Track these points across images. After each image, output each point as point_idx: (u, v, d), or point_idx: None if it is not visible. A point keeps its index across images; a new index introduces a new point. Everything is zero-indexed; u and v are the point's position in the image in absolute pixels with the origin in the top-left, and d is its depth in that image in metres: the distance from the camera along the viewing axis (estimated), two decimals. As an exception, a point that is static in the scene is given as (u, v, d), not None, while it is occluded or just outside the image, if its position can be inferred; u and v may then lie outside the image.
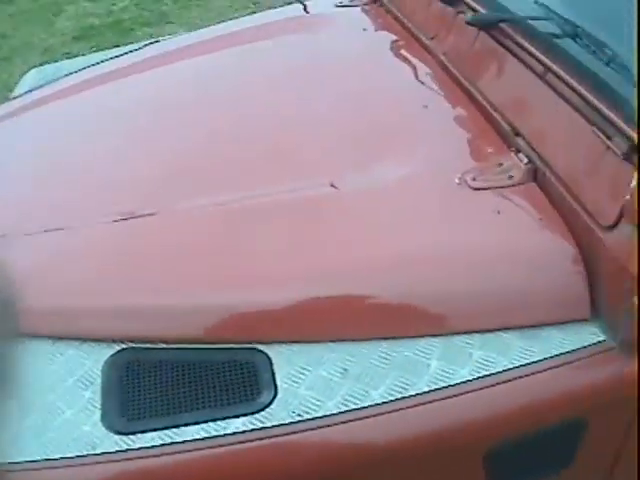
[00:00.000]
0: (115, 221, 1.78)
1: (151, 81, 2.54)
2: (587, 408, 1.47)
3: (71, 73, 2.84)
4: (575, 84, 1.59)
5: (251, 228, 1.68)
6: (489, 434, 1.43)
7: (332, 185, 1.75)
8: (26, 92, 2.87)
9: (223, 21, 3.37)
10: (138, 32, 7.43)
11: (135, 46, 3.12)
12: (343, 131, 1.96)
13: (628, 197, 1.37)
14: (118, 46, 6.59)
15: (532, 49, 1.75)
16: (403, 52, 2.36)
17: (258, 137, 2.01)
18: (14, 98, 2.90)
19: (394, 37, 2.46)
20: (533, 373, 1.42)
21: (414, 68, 2.24)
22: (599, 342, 1.46)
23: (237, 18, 3.53)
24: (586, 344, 1.46)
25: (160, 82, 2.52)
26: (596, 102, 1.52)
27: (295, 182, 1.79)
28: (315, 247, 1.63)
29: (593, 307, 1.49)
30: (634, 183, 1.36)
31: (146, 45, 3.01)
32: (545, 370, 1.43)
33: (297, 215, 1.70)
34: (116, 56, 2.94)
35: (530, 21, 1.79)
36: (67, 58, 6.76)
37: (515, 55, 1.83)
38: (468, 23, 1.97)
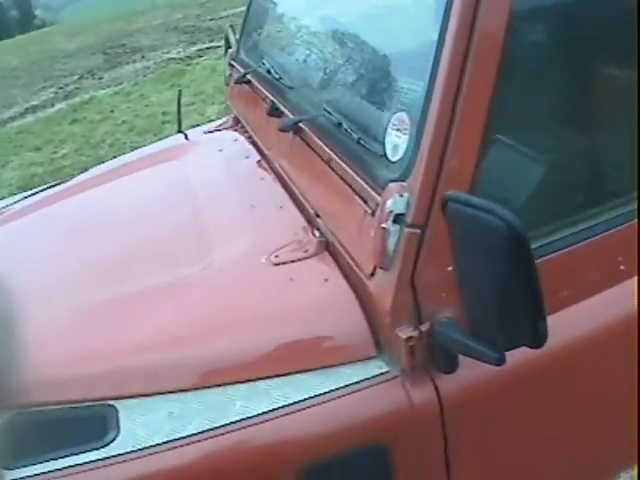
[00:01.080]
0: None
1: (54, 213, 2.91)
2: (382, 432, 1.75)
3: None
4: (342, 164, 1.94)
5: (107, 316, 2.04)
6: (294, 459, 1.73)
7: (173, 274, 2.13)
8: None
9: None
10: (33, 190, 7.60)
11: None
12: (191, 231, 2.35)
13: (372, 245, 1.68)
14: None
15: (318, 142, 2.11)
16: (247, 164, 2.76)
17: (134, 242, 2.42)
18: None
19: (243, 153, 2.86)
20: (325, 402, 1.71)
21: (252, 176, 2.65)
22: (383, 373, 1.74)
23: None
24: (371, 375, 1.74)
25: (61, 212, 2.90)
26: (354, 175, 1.86)
27: (143, 277, 2.17)
28: (145, 322, 1.99)
29: (377, 344, 1.78)
30: (372, 233, 1.68)
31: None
32: (336, 399, 1.72)
33: (141, 303, 2.08)
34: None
35: (317, 118, 2.16)
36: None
37: (313, 149, 2.18)
38: (280, 129, 2.33)
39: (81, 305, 2.11)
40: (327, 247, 2.02)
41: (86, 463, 1.70)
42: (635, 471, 2.01)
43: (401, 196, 1.60)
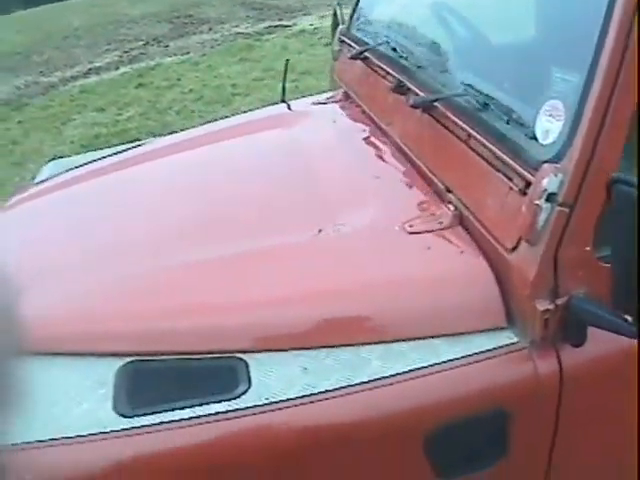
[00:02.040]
0: (130, 265, 2.22)
1: (157, 167, 3.02)
2: (507, 400, 1.80)
3: (87, 163, 3.30)
4: (487, 143, 1.97)
5: (237, 271, 2.10)
6: (423, 420, 1.78)
7: (304, 234, 2.18)
8: (48, 178, 3.31)
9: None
10: (143, 140, 7.59)
11: (138, 143, 3.57)
12: (314, 197, 2.40)
13: (521, 220, 1.73)
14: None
15: (457, 120, 2.14)
16: (365, 138, 2.79)
17: (256, 202, 2.47)
18: (37, 184, 3.34)
19: (359, 125, 2.91)
20: (457, 367, 1.78)
21: (373, 150, 2.68)
22: (513, 343, 1.81)
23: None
24: (501, 345, 1.81)
25: (164, 168, 3.00)
26: (501, 154, 1.90)
27: (283, 233, 2.23)
28: (278, 280, 2.03)
29: (509, 316, 1.85)
30: (524, 208, 1.73)
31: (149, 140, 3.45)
32: (466, 365, 1.78)
33: (276, 257, 2.13)
34: (126, 149, 3.43)
35: (456, 98, 2.19)
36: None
37: (446, 127, 2.22)
38: (411, 106, 2.37)
39: (210, 258, 2.16)
40: (461, 221, 2.07)
41: (216, 414, 1.74)
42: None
43: (555, 176, 1.65)
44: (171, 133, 3.63)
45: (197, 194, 2.60)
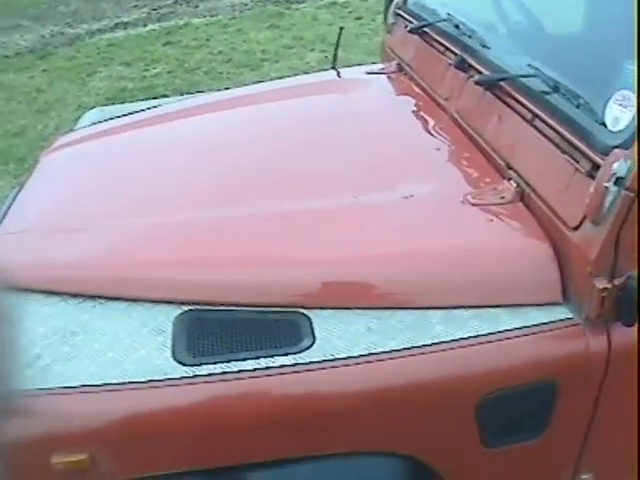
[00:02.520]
0: (191, 213, 2.28)
1: (203, 124, 3.05)
2: (557, 373, 1.87)
3: (131, 113, 3.32)
4: (553, 124, 2.03)
5: (301, 228, 2.15)
6: (479, 386, 1.84)
7: (368, 196, 2.24)
8: (90, 125, 3.35)
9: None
10: (170, 98, 7.41)
11: (187, 96, 3.59)
12: (373, 165, 2.45)
13: (587, 200, 1.79)
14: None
15: (523, 100, 2.19)
16: (422, 110, 2.85)
17: (305, 164, 2.53)
18: (79, 129, 3.39)
19: (415, 99, 2.97)
20: (514, 337, 1.84)
21: (430, 122, 2.72)
22: (567, 319, 1.87)
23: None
24: (556, 319, 1.87)
25: (218, 125, 3.04)
26: (568, 136, 1.95)
27: (345, 193, 2.28)
28: (347, 239, 2.08)
29: (565, 292, 1.91)
30: (592, 189, 1.78)
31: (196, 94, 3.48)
32: (523, 336, 1.84)
33: (343, 217, 2.18)
34: (172, 102, 3.46)
35: (522, 79, 2.23)
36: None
37: (510, 107, 2.27)
38: (476, 83, 2.41)
39: (278, 213, 2.21)
40: (522, 197, 2.12)
41: (281, 366, 1.77)
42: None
43: (625, 162, 1.71)
44: (198, 92, 3.61)
45: (254, 151, 2.64)
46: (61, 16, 12.68)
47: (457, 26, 2.81)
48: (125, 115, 3.29)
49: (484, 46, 2.59)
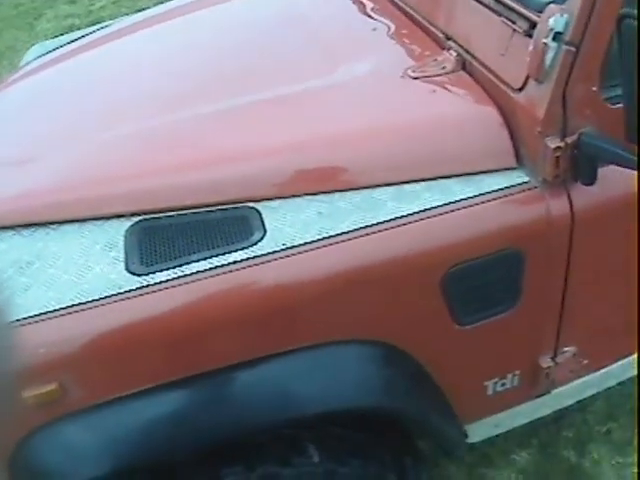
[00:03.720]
0: (129, 124, 2.23)
1: (143, 37, 2.98)
2: (520, 239, 1.85)
3: (73, 41, 3.27)
4: None
5: (242, 122, 2.09)
6: (440, 260, 1.81)
7: (308, 83, 2.19)
8: (34, 59, 3.26)
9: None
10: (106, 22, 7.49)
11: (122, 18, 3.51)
12: (315, 48, 2.41)
13: (527, 59, 1.74)
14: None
15: None
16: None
17: (256, 54, 2.47)
18: (24, 66, 3.28)
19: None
20: (469, 206, 1.80)
21: (366, 4, 2.68)
22: (524, 183, 1.84)
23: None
24: (512, 184, 1.84)
25: (162, 32, 2.97)
26: None
27: (285, 83, 2.23)
28: (289, 127, 2.03)
29: (518, 156, 1.88)
30: (531, 47, 1.74)
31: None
32: (479, 204, 1.81)
33: (283, 106, 2.13)
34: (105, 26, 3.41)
35: None
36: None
37: None
38: None
39: (213, 111, 2.16)
40: (463, 66, 2.08)
41: (233, 263, 1.74)
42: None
43: (561, 16, 1.66)
44: None
45: (195, 51, 2.59)
46: None
47: None
48: (62, 46, 3.25)
49: None
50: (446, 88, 2.03)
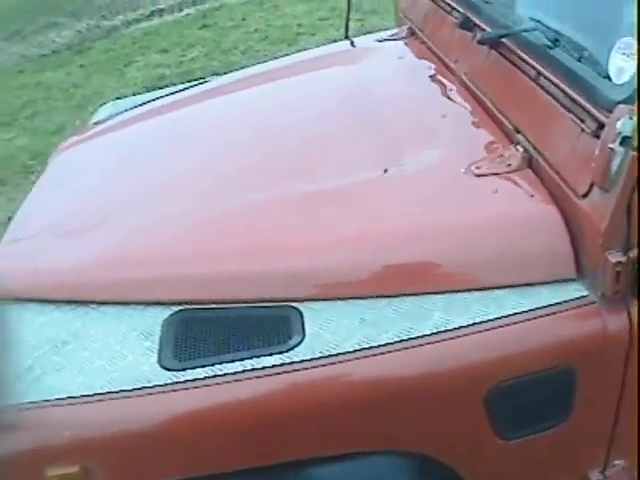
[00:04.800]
0: (180, 204, 2.18)
1: (220, 106, 2.96)
2: (573, 356, 1.72)
3: (146, 102, 3.25)
4: (556, 80, 1.86)
5: (294, 213, 2.03)
6: (486, 375, 1.69)
7: (366, 174, 2.09)
8: (107, 118, 3.26)
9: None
10: (180, 85, 7.54)
11: (200, 81, 3.49)
12: (379, 137, 2.30)
13: (593, 164, 1.62)
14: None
15: (526, 57, 2.02)
16: (431, 75, 2.67)
17: (319, 142, 2.39)
18: (94, 124, 3.28)
19: (425, 62, 2.79)
20: (523, 321, 1.68)
21: (438, 86, 2.56)
22: (582, 297, 1.71)
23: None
24: (570, 298, 1.71)
25: (228, 106, 2.93)
26: (572, 94, 1.78)
27: (341, 173, 2.14)
28: (341, 223, 1.94)
29: (578, 266, 1.74)
30: (597, 152, 1.61)
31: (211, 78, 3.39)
32: (533, 319, 1.68)
33: (338, 198, 2.04)
34: (184, 88, 3.37)
35: (523, 34, 2.06)
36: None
37: (515, 64, 2.11)
38: (478, 42, 2.25)
39: (265, 200, 2.09)
40: (530, 163, 1.95)
41: (266, 368, 1.67)
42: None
43: (630, 119, 1.53)
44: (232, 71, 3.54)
45: (259, 134, 2.52)
46: (97, 9, 12.71)
47: None
48: (136, 107, 3.23)
49: (486, 1, 2.43)
50: (509, 188, 1.91)
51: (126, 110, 3.22)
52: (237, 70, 3.51)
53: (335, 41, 3.53)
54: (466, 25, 2.48)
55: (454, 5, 2.65)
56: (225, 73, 3.60)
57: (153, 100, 3.25)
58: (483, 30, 2.33)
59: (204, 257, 1.96)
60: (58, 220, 2.33)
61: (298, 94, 2.84)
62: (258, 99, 2.87)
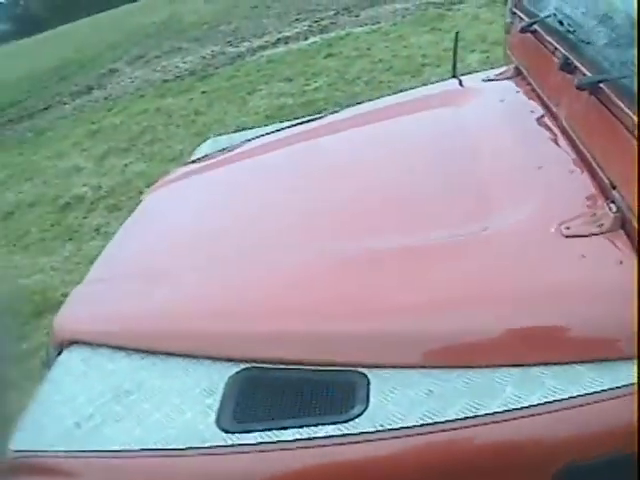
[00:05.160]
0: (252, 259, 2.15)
1: (320, 147, 2.92)
2: None
3: (247, 140, 3.25)
4: None
5: (369, 271, 1.95)
6: (557, 456, 1.54)
7: (460, 233, 1.98)
8: (204, 156, 3.27)
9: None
10: (283, 123, 7.56)
11: (305, 119, 3.44)
12: (472, 188, 2.20)
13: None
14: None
15: (623, 106, 1.85)
16: (533, 120, 2.52)
17: (409, 191, 2.34)
18: (192, 162, 3.30)
19: (528, 106, 2.64)
20: (601, 400, 1.52)
21: (538, 133, 2.41)
22: None
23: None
24: None
25: (329, 148, 2.89)
26: None
27: (430, 229, 2.04)
28: (415, 284, 1.85)
29: None
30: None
31: (314, 119, 3.34)
32: (612, 398, 1.52)
33: (421, 256, 1.95)
34: (289, 126, 3.35)
35: (624, 80, 1.89)
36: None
37: (613, 113, 1.93)
38: (577, 87, 2.09)
39: (339, 253, 2.03)
40: (623, 224, 1.79)
41: (324, 438, 1.59)
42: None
43: None
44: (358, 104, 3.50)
45: (346, 179, 2.49)
46: (222, 35, 12.97)
47: (561, 21, 2.50)
48: (236, 146, 3.24)
49: (587, 42, 2.26)
50: (597, 252, 1.75)
51: (225, 149, 3.22)
52: (338, 110, 3.44)
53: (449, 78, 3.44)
54: (567, 67, 2.32)
55: (555, 44, 2.49)
56: (348, 105, 3.59)
57: (254, 138, 3.25)
58: (583, 74, 2.16)
59: (274, 312, 1.91)
60: (137, 263, 2.34)
61: (396, 141, 2.77)
62: (357, 142, 2.85)
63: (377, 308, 1.82)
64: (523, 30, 2.87)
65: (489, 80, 3.09)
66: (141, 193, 6.47)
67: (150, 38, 13.53)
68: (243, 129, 7.51)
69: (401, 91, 3.86)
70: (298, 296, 1.95)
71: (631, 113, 1.79)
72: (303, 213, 2.36)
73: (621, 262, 1.70)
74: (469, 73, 3.41)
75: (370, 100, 3.60)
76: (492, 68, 3.35)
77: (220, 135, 3.94)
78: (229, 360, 1.82)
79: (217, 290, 2.07)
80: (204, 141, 3.87)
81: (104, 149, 8.41)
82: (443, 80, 3.53)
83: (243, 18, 14.23)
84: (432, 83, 7.32)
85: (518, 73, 3.01)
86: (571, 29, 2.40)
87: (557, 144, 2.29)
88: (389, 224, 2.12)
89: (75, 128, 10.04)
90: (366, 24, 11.85)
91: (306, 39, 11.79)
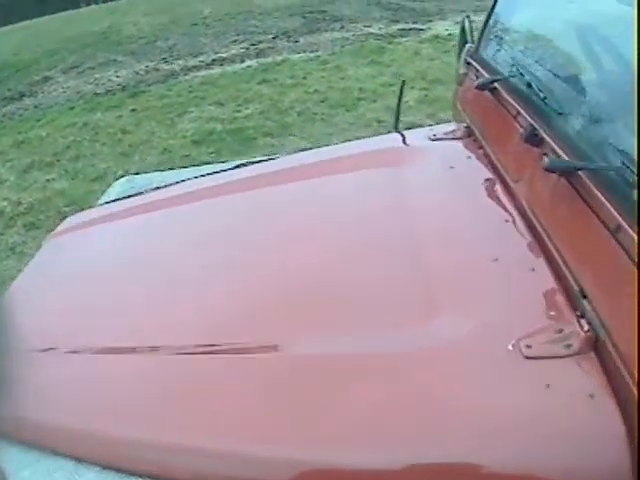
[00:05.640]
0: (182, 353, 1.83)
1: (233, 207, 2.57)
2: None
3: (159, 187, 2.94)
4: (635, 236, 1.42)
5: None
6: None
7: (399, 344, 1.67)
8: (113, 200, 2.99)
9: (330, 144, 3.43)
10: (259, 141, 7.44)
11: (224, 166, 3.13)
12: (410, 280, 1.88)
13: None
14: (237, 154, 6.72)
15: (603, 200, 1.57)
16: (485, 195, 2.23)
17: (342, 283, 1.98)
18: (101, 205, 3.03)
19: (480, 179, 2.32)
20: None
21: (493, 214, 2.09)
22: None
23: (358, 137, 3.54)
24: None
25: (243, 209, 2.55)
26: None
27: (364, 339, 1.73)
28: (348, 412, 1.55)
29: None
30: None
31: (237, 166, 3.00)
32: None
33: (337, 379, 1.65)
34: (207, 173, 3.00)
35: (607, 171, 1.62)
36: (185, 160, 6.87)
37: (590, 206, 1.64)
38: (546, 169, 1.80)
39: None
40: (595, 344, 1.49)
41: None
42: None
43: None
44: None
45: (257, 258, 2.18)
46: (159, 51, 12.92)
47: (529, 84, 2.21)
48: (148, 191, 2.96)
49: (561, 113, 1.97)
50: (563, 381, 1.45)
51: (137, 194, 2.95)
52: (269, 159, 3.11)
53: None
54: (532, 139, 2.02)
55: (519, 109, 2.19)
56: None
57: (169, 185, 2.94)
58: (553, 150, 1.87)
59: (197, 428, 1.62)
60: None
61: (326, 212, 2.40)
62: (283, 206, 2.50)
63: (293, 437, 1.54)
64: (481, 86, 2.56)
65: (436, 139, 2.73)
66: (59, 213, 6.20)
67: (87, 48, 13.40)
68: (169, 152, 7.33)
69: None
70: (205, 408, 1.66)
71: (613, 211, 1.53)
72: (199, 306, 2.02)
73: (592, 395, 1.41)
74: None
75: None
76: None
77: (135, 175, 3.64)
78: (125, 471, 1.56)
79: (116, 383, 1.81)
80: (117, 179, 3.62)
81: (28, 162, 8.13)
82: (383, 135, 3.22)
83: (181, 35, 14.09)
84: (366, 118, 7.16)
85: (470, 134, 2.70)
86: (541, 94, 2.11)
87: (517, 231, 1.97)
88: (300, 328, 1.82)
89: (2, 137, 9.75)
90: (304, 51, 11.71)
91: (242, 62, 11.61)
